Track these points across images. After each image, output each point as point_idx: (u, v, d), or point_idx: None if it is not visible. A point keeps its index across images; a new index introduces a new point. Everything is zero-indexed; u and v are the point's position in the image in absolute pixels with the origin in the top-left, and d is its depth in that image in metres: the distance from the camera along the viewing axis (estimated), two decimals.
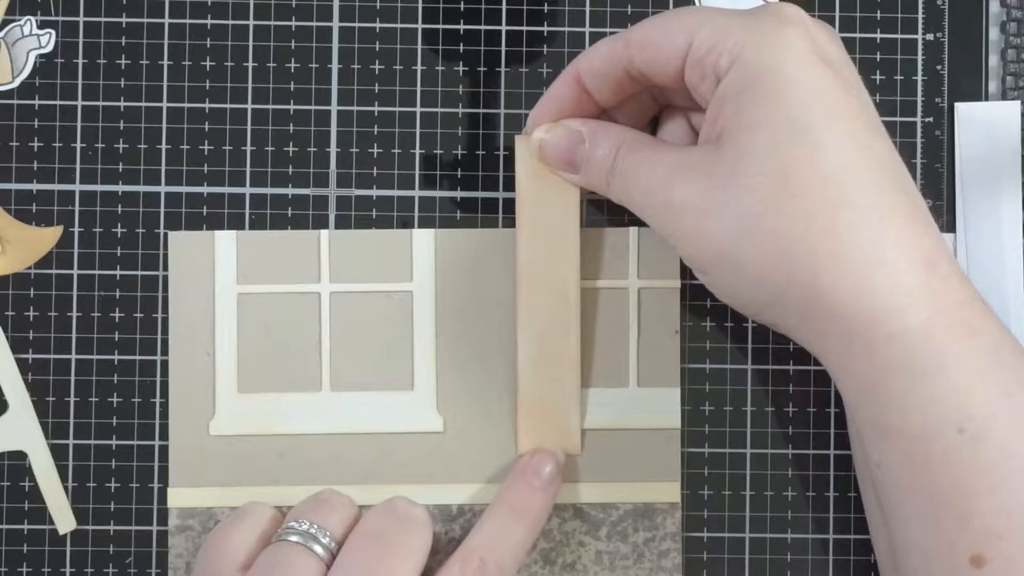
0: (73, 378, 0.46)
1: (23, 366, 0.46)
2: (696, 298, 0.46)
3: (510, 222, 0.46)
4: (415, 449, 0.46)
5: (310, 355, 0.46)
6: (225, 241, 0.46)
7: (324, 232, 0.46)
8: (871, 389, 0.38)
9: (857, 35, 0.47)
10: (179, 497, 0.45)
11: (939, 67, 0.47)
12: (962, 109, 0.47)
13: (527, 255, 0.44)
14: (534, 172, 0.44)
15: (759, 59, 0.38)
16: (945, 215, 0.47)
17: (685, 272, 0.46)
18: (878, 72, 0.47)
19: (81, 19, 0.46)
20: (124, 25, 0.46)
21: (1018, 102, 0.47)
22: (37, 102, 0.46)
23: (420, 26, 0.47)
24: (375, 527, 0.41)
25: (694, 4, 0.47)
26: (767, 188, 0.37)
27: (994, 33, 0.47)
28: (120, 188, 0.46)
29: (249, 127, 0.46)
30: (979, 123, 0.47)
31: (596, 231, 0.46)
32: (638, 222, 0.46)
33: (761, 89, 0.37)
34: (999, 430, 0.36)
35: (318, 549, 0.40)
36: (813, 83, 0.37)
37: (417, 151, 0.46)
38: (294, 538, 0.40)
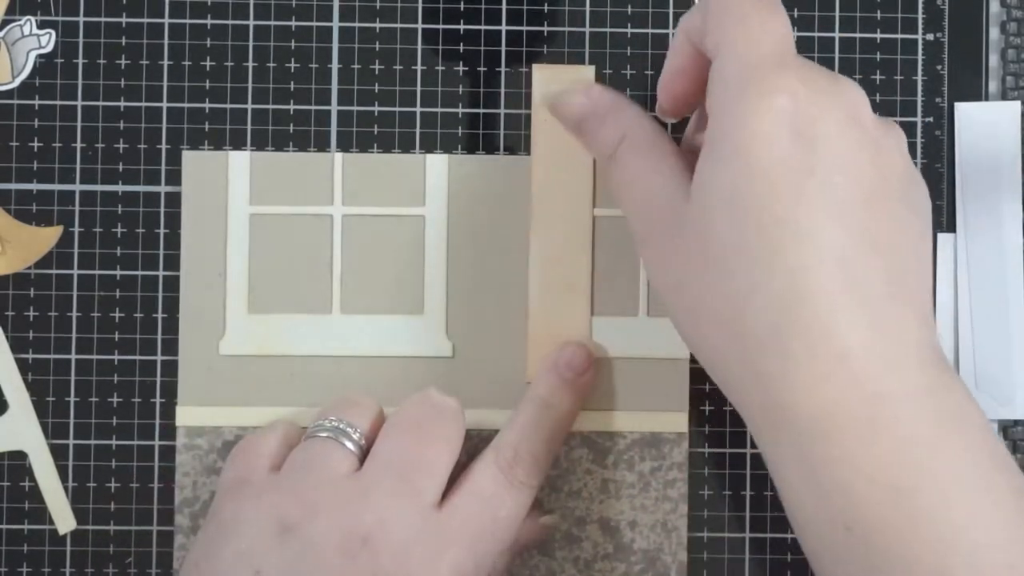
0: (73, 378, 0.46)
1: (23, 366, 0.46)
2: None
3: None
4: (424, 373, 0.46)
5: (321, 277, 0.46)
6: (238, 161, 0.46)
7: (338, 155, 0.46)
8: (774, 473, 0.38)
9: (857, 35, 0.47)
10: (187, 416, 0.45)
11: (939, 67, 0.47)
12: (962, 109, 0.47)
13: (541, 181, 0.45)
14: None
15: (732, 118, 0.36)
16: (945, 215, 0.47)
17: None
18: (878, 72, 0.47)
19: (81, 19, 0.46)
20: (124, 25, 0.46)
21: (1018, 102, 0.47)
22: (37, 102, 0.46)
23: (420, 26, 0.47)
24: (411, 417, 0.42)
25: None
26: (702, 257, 0.36)
27: (994, 33, 0.47)
28: (120, 188, 0.46)
29: (249, 127, 0.46)
30: (979, 123, 0.47)
31: None
32: None
33: (723, 151, 0.36)
34: (889, 536, 0.35)
35: (349, 444, 0.41)
36: (771, 159, 0.35)
37: (417, 151, 0.46)
38: (324, 434, 0.41)
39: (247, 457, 0.42)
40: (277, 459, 0.42)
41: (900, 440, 0.35)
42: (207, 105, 0.46)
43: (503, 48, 0.47)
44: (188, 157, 0.46)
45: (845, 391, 0.35)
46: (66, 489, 0.46)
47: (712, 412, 0.46)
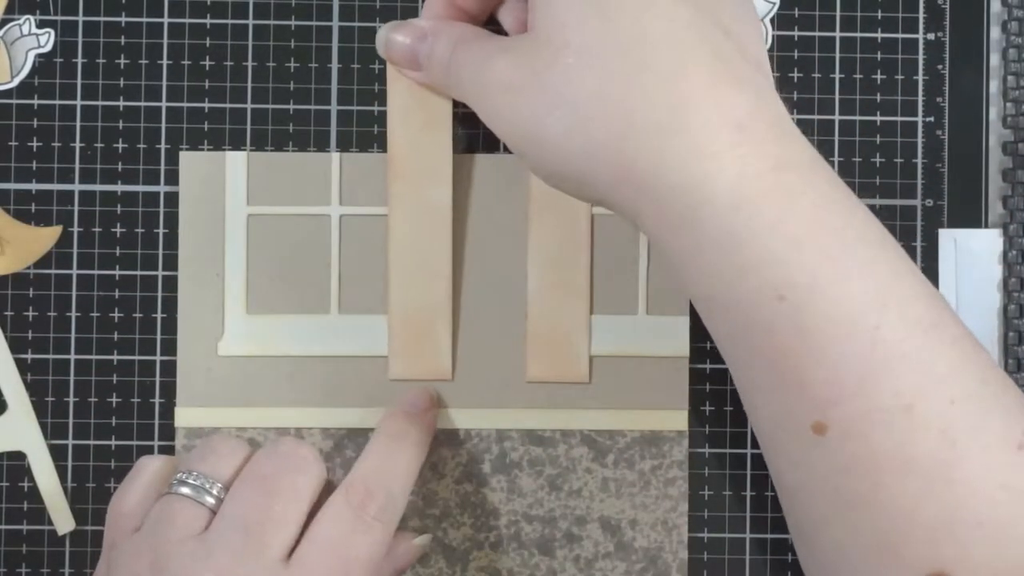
0: (72, 378, 0.46)
1: (22, 366, 0.46)
2: None
3: None
4: None
5: (319, 277, 0.46)
6: (235, 162, 0.46)
7: (335, 154, 0.46)
8: (689, 261, 0.37)
9: (858, 35, 0.47)
10: (186, 417, 0.46)
11: (940, 67, 0.47)
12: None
13: (538, 180, 0.45)
14: None
15: None
16: (946, 214, 0.47)
17: None
18: (879, 72, 0.47)
19: (80, 18, 0.46)
20: (123, 24, 0.46)
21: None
22: (36, 102, 0.46)
23: None
24: (259, 471, 0.40)
25: None
26: (566, 61, 0.37)
27: (995, 32, 0.47)
28: (119, 188, 0.46)
29: (249, 127, 0.46)
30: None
31: None
32: None
33: None
34: (820, 297, 0.35)
35: (207, 499, 0.40)
36: None
37: None
38: (184, 490, 0.40)
39: (114, 519, 0.41)
40: (139, 517, 0.40)
41: (819, 201, 0.36)
42: (206, 105, 0.46)
43: None
44: (185, 158, 0.46)
45: (755, 160, 0.36)
46: (65, 490, 0.46)
47: (712, 412, 0.46)
